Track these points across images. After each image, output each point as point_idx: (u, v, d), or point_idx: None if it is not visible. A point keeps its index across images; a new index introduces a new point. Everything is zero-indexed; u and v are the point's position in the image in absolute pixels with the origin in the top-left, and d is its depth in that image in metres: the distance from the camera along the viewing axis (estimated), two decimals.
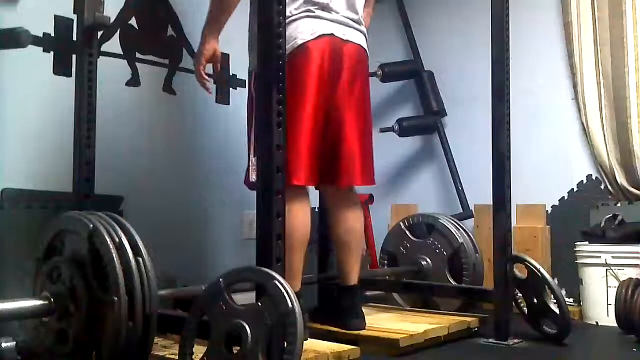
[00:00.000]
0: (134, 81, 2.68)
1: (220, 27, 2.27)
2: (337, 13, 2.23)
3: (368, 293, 3.02)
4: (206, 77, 2.32)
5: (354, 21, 2.29)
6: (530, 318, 2.46)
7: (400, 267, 3.00)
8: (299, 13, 2.17)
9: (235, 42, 2.44)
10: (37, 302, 1.60)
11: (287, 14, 2.10)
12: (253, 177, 2.13)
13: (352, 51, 2.27)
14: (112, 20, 2.27)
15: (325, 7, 2.20)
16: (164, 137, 2.77)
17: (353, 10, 2.29)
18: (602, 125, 3.08)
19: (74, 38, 2.17)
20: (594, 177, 3.15)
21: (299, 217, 2.11)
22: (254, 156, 2.12)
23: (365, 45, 2.34)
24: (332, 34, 2.21)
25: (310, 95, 2.15)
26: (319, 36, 2.18)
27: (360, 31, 2.33)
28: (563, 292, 2.84)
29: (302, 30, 2.16)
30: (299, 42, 2.15)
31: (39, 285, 1.66)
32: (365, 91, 2.37)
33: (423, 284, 2.87)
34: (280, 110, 1.63)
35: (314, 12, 2.18)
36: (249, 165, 2.18)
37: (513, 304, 2.44)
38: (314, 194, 2.56)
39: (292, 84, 2.01)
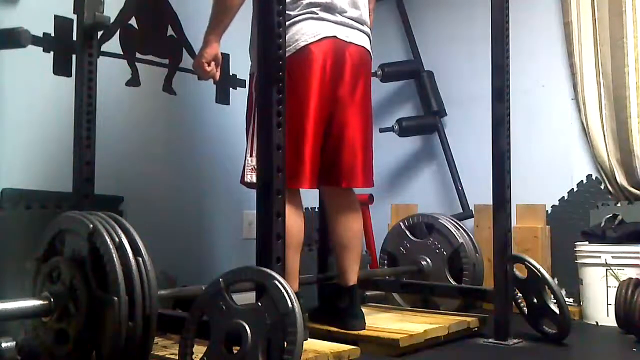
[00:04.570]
0: (134, 81, 2.68)
1: (222, 30, 2.24)
2: (341, 13, 2.23)
3: (368, 293, 3.02)
4: (209, 67, 2.26)
5: (357, 21, 2.28)
6: (530, 318, 2.46)
7: (400, 267, 3.00)
8: (302, 14, 2.16)
9: (235, 42, 2.43)
10: (37, 302, 1.60)
11: (290, 14, 2.11)
12: (248, 177, 2.13)
13: (354, 53, 2.26)
14: (112, 20, 2.28)
15: (329, 7, 2.19)
16: (164, 137, 2.77)
17: (356, 7, 2.28)
18: (602, 125, 3.08)
19: (74, 38, 2.17)
20: (594, 177, 3.15)
21: (293, 218, 2.11)
22: (250, 156, 2.13)
23: (368, 47, 2.33)
24: (334, 36, 2.20)
25: (312, 98, 2.15)
26: (322, 38, 2.17)
27: (364, 32, 2.31)
28: (563, 292, 2.84)
29: (304, 32, 2.15)
30: (301, 44, 2.14)
31: (39, 285, 1.66)
32: (367, 93, 2.36)
33: (423, 284, 2.87)
34: (280, 110, 1.63)
35: (317, 13, 2.17)
36: (244, 165, 2.18)
37: (513, 304, 2.44)
38: (314, 193, 2.56)
39: (294, 86, 2.01)
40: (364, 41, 2.31)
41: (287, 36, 2.03)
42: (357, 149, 2.29)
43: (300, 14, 2.16)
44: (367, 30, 2.34)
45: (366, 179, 2.35)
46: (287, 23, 2.04)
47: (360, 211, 2.43)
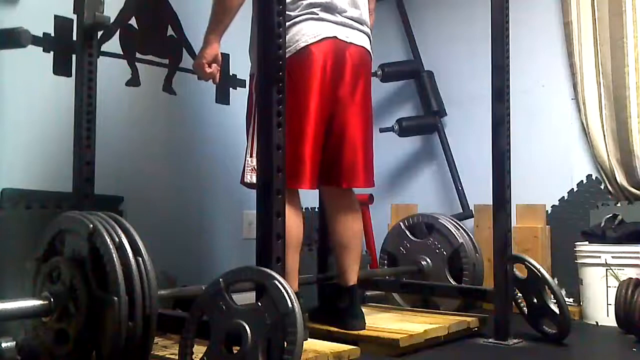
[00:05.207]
0: (134, 81, 2.68)
1: (223, 30, 2.23)
2: (341, 13, 2.22)
3: (368, 293, 3.02)
4: (209, 70, 2.24)
5: (357, 21, 2.28)
6: (530, 318, 2.46)
7: (400, 267, 3.00)
8: (302, 15, 2.16)
9: (235, 42, 2.43)
10: (37, 302, 1.60)
11: (291, 15, 2.11)
12: (248, 177, 2.13)
13: (354, 53, 2.25)
14: (112, 20, 2.27)
15: (329, 7, 2.19)
16: (164, 137, 2.77)
17: (356, 7, 2.28)
18: (602, 125, 3.08)
19: (74, 38, 2.17)
20: (594, 177, 3.15)
21: (292, 218, 2.10)
22: (250, 156, 2.13)
23: (368, 47, 2.33)
24: (335, 36, 2.20)
25: (313, 99, 2.15)
26: (322, 39, 2.17)
27: (364, 32, 2.31)
28: (563, 292, 2.84)
29: (305, 33, 2.15)
30: (302, 44, 2.14)
31: (39, 285, 1.66)
32: (368, 93, 2.36)
33: (423, 284, 2.87)
34: (280, 110, 1.63)
35: (317, 14, 2.17)
36: (244, 165, 2.18)
37: (513, 304, 2.44)
38: (314, 194, 2.56)
39: (294, 87, 2.01)
40: (364, 41, 2.30)
41: (287, 37, 2.03)
42: (357, 149, 2.29)
43: (300, 15, 2.15)
44: (367, 30, 2.34)
45: (367, 179, 2.35)
46: (287, 24, 2.03)
47: (360, 211, 2.43)
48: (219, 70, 2.29)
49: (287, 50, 1.91)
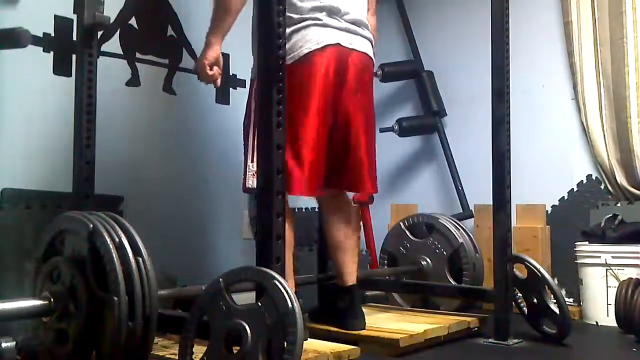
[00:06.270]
0: (134, 81, 2.68)
1: (224, 32, 2.21)
2: (343, 16, 2.21)
3: (368, 293, 3.03)
4: (211, 72, 2.23)
5: (359, 25, 2.26)
6: (530, 318, 2.46)
7: (400, 267, 3.00)
8: (306, 21, 2.15)
9: (235, 42, 2.43)
10: (37, 302, 1.60)
11: (295, 18, 2.10)
12: (250, 182, 2.12)
13: (357, 60, 2.24)
14: (112, 20, 2.28)
15: (332, 11, 2.18)
16: (164, 137, 2.77)
17: (357, 9, 2.26)
18: (602, 125, 3.08)
19: (74, 38, 2.17)
20: (594, 177, 3.15)
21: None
22: (251, 161, 2.11)
23: (370, 53, 2.31)
24: (338, 43, 2.18)
25: (315, 106, 2.13)
26: (325, 46, 2.15)
27: (366, 37, 2.30)
28: (563, 292, 2.83)
29: (308, 39, 2.13)
30: (305, 51, 2.13)
31: (39, 285, 1.66)
32: (370, 98, 2.36)
33: (423, 284, 2.87)
34: (280, 110, 1.63)
35: (321, 19, 2.16)
36: (245, 171, 2.17)
37: (513, 304, 2.44)
38: None
39: (297, 93, 2.00)
40: (366, 47, 2.29)
41: (290, 43, 2.04)
42: (362, 154, 2.28)
43: (304, 20, 2.14)
44: (369, 35, 2.32)
45: (373, 184, 2.35)
46: (291, 30, 2.05)
47: (353, 212, 2.43)
48: (220, 74, 2.28)
49: (290, 57, 1.92)
